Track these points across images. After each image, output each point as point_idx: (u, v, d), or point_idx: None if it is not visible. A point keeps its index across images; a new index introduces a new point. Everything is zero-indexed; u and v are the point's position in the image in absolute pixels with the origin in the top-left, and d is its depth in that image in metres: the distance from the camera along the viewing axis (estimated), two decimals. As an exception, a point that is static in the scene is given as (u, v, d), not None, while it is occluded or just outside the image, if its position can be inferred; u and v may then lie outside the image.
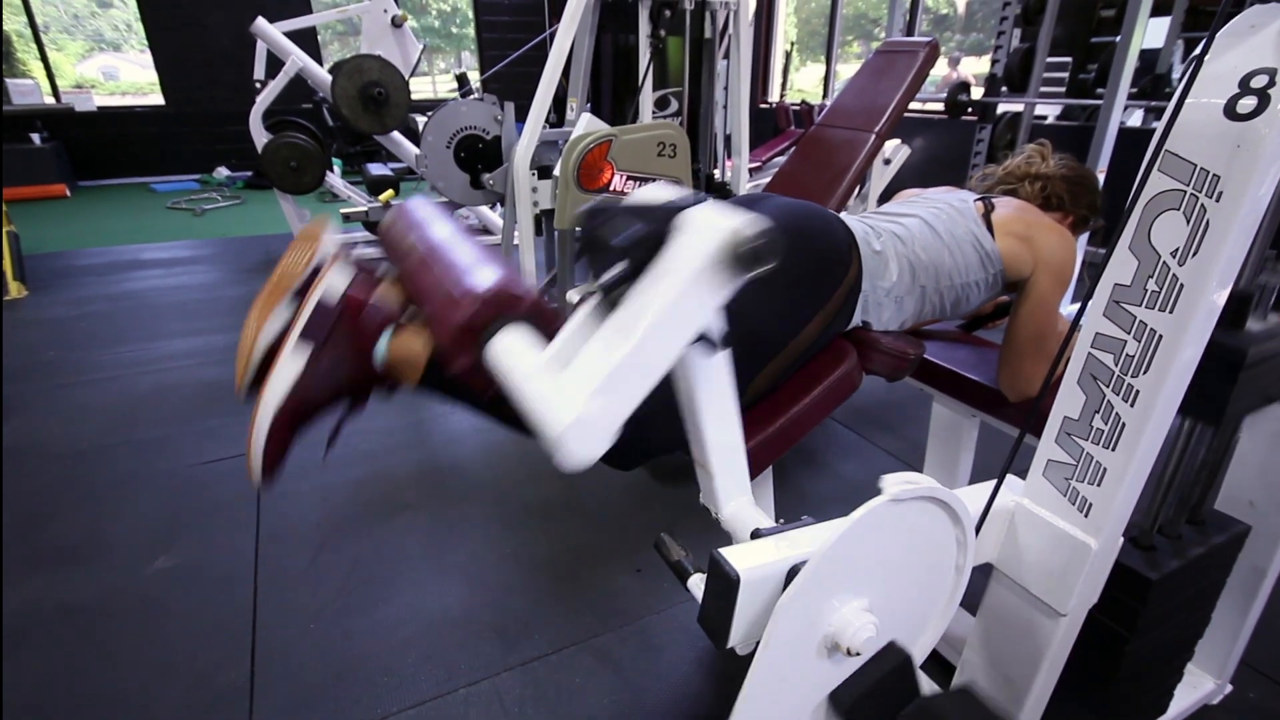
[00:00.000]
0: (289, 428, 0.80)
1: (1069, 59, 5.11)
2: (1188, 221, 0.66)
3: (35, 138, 6.13)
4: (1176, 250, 0.67)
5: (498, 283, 0.73)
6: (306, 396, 0.79)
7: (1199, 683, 1.23)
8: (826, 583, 0.66)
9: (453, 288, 0.74)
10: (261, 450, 0.79)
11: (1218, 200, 0.63)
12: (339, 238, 0.87)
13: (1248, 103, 0.62)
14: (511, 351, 0.70)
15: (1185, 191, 0.66)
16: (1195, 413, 0.83)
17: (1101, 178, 3.27)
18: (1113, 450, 0.74)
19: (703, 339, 0.62)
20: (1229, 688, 1.25)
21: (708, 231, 0.58)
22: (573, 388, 0.60)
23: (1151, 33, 3.46)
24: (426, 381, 0.82)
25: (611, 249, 0.62)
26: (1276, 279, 0.87)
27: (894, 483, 0.65)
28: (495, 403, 0.83)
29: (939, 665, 1.23)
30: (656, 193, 0.67)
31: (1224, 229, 0.63)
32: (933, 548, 0.73)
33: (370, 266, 0.90)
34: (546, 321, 0.74)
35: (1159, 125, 0.66)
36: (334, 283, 0.78)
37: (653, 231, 0.61)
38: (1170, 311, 0.67)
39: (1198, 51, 0.63)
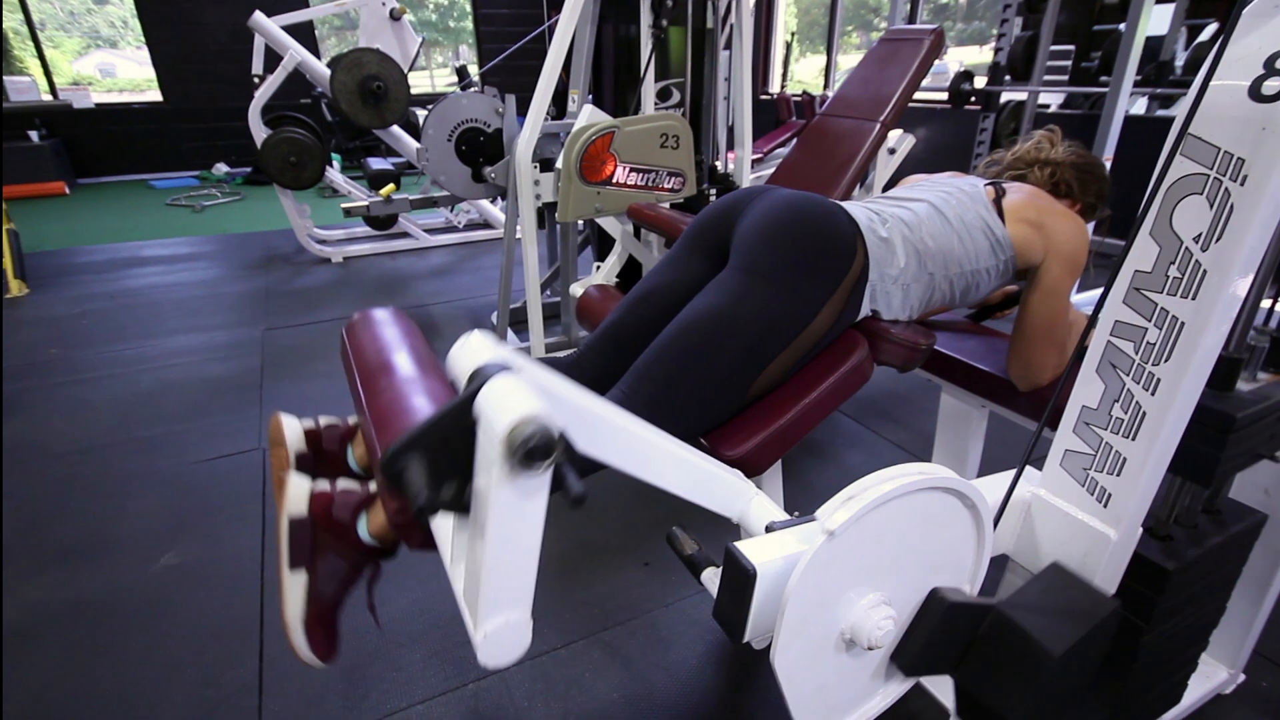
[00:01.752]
0: (325, 628, 0.81)
1: (1072, 47, 5.08)
2: (1211, 206, 0.64)
3: (33, 135, 6.10)
4: (1199, 235, 0.65)
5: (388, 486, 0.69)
6: (322, 601, 0.80)
7: (1212, 672, 1.22)
8: (835, 575, 0.65)
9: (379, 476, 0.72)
10: (309, 652, 0.81)
11: (1242, 184, 0.62)
12: (294, 431, 0.85)
13: (1273, 84, 0.60)
14: (442, 534, 0.71)
15: (1209, 175, 0.64)
16: (1183, 473, 0.83)
17: (1108, 166, 3.25)
18: (1133, 440, 0.73)
19: (569, 493, 0.57)
20: (1242, 677, 1.25)
21: (490, 434, 0.53)
22: (470, 601, 0.60)
23: (1155, 20, 3.43)
24: (424, 536, 0.79)
25: (423, 508, 0.57)
26: (1265, 340, 0.88)
27: (911, 472, 0.64)
28: None
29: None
30: (461, 359, 0.61)
31: (1248, 213, 0.62)
32: (949, 537, 0.72)
33: (340, 427, 0.88)
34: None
35: (1178, 109, 0.65)
36: (295, 495, 0.77)
37: (443, 463, 0.57)
38: (1193, 298, 0.66)
39: (1207, 33, 0.62)
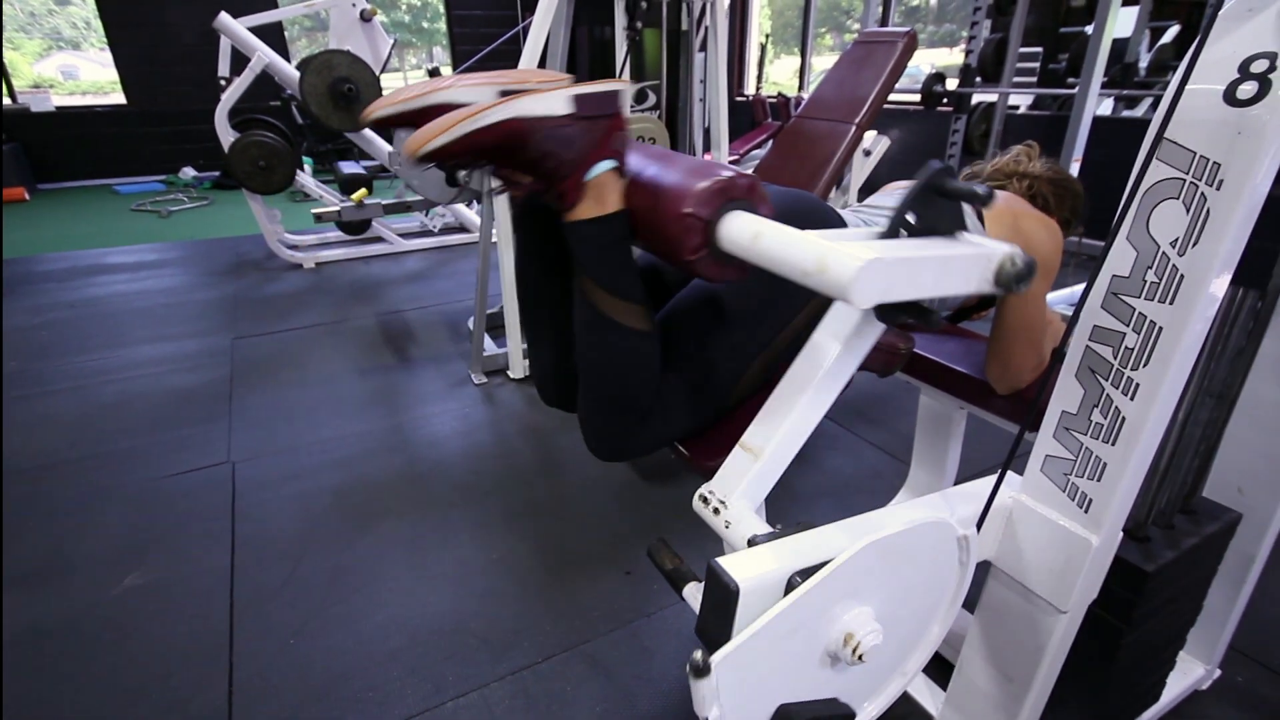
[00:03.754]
0: (497, 141, 0.76)
1: (1039, 49, 5.16)
2: (1188, 210, 0.64)
3: (-8, 140, 5.92)
4: (1176, 240, 0.65)
5: (729, 172, 0.77)
6: (538, 133, 0.77)
7: (1189, 669, 1.23)
8: (829, 596, 0.64)
9: (710, 161, 0.78)
10: (466, 132, 0.74)
11: (1218, 188, 0.62)
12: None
13: (1248, 88, 0.60)
14: (751, 222, 0.73)
15: (1185, 180, 0.64)
16: (1242, 281, 0.82)
17: (1077, 167, 3.31)
18: (1112, 445, 0.72)
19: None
20: (1218, 672, 1.26)
21: (994, 262, 0.66)
22: (870, 247, 0.60)
23: (1120, 22, 3.50)
24: (586, 225, 0.83)
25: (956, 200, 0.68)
26: None
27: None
28: (624, 293, 0.86)
29: (939, 663, 1.22)
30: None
31: (1225, 218, 0.62)
32: (935, 557, 0.72)
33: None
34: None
35: (1142, 110, 0.65)
36: (625, 95, 0.80)
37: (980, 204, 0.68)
38: (1170, 303, 0.66)
39: (1169, 35, 0.62)
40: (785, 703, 0.66)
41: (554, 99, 0.77)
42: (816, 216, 1.07)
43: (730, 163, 4.06)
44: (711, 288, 1.02)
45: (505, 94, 0.77)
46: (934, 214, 0.68)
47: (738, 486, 0.81)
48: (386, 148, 3.68)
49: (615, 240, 0.84)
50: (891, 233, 0.69)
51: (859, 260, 0.56)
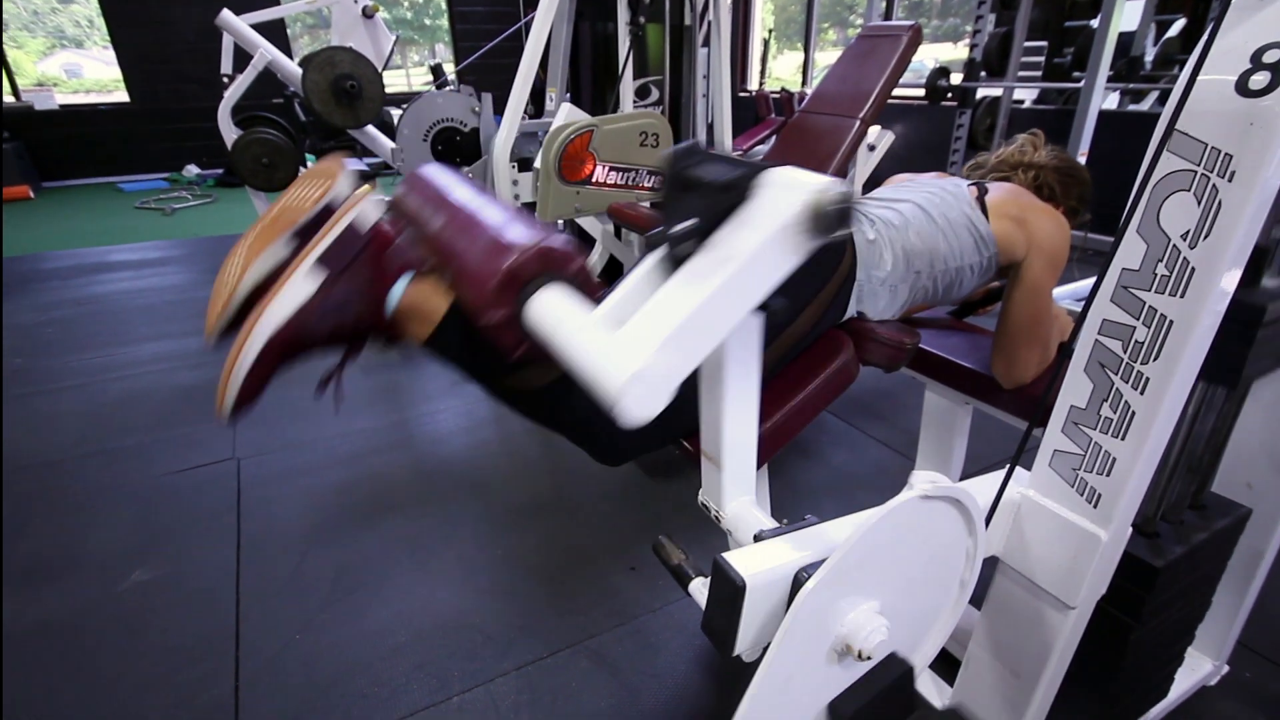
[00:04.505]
0: (279, 356, 0.72)
1: (1044, 43, 5.13)
2: (1199, 203, 0.63)
3: (-5, 138, 5.93)
4: (1187, 233, 0.65)
5: (548, 239, 0.68)
6: (308, 326, 0.71)
7: (1197, 664, 1.23)
8: (841, 585, 0.64)
9: (496, 238, 0.68)
10: (244, 376, 0.71)
11: (1230, 180, 0.61)
12: (358, 174, 0.80)
13: (1260, 78, 0.59)
14: (557, 306, 0.66)
15: (1196, 172, 0.63)
16: (1210, 377, 0.80)
17: (1082, 161, 3.29)
18: (1122, 439, 0.72)
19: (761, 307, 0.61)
20: (1226, 668, 1.25)
21: (793, 190, 0.56)
22: (635, 339, 0.57)
23: (1125, 16, 3.48)
24: (435, 339, 0.76)
25: (705, 185, 0.60)
26: None
27: (922, 480, 0.63)
28: (512, 368, 0.79)
29: (944, 659, 1.22)
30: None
31: (1237, 210, 0.61)
32: (942, 546, 0.71)
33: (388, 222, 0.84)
34: (590, 289, 0.69)
35: (1148, 104, 0.65)
36: (367, 211, 0.72)
37: (742, 178, 0.59)
38: (1181, 296, 0.65)
39: (1175, 28, 0.61)
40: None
41: (295, 288, 0.71)
42: None
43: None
44: None
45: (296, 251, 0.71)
46: (705, 201, 0.61)
47: (719, 493, 0.81)
48: (389, 144, 3.67)
49: (463, 336, 0.75)
50: (677, 260, 0.61)
51: (620, 379, 0.54)
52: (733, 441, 0.79)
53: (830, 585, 0.62)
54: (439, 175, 0.85)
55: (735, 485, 0.82)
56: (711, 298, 0.57)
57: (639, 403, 0.55)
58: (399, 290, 0.74)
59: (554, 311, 0.65)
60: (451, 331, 0.76)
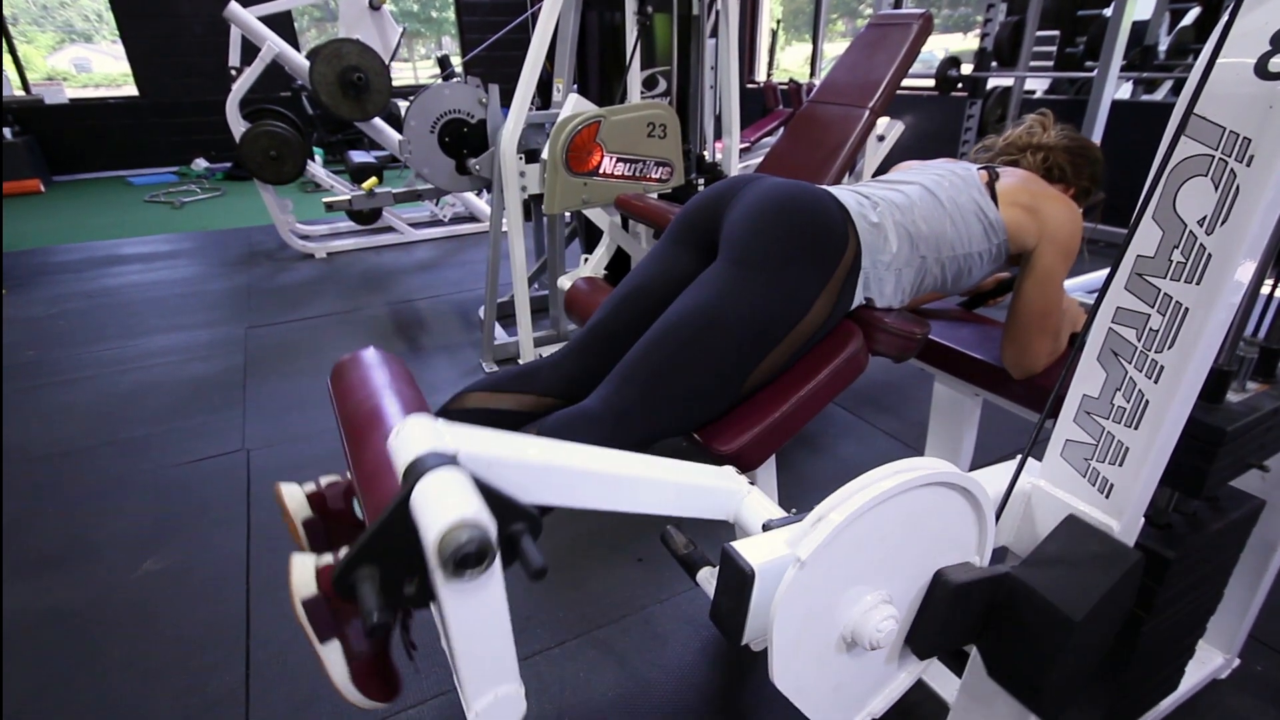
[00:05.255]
0: (379, 675, 0.74)
1: (1056, 32, 5.08)
2: (1216, 188, 0.62)
3: (7, 132, 5.97)
4: (1204, 219, 0.64)
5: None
6: (365, 660, 0.73)
7: (1208, 657, 1.22)
8: (825, 585, 0.63)
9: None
10: (378, 704, 0.74)
11: (1248, 165, 0.60)
12: (296, 499, 0.82)
13: (1280, 61, 0.58)
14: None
15: (1214, 156, 0.62)
16: (1174, 485, 0.83)
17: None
18: (1135, 429, 0.71)
19: (529, 567, 0.56)
20: (1237, 661, 1.25)
21: (426, 542, 0.50)
22: (459, 682, 0.58)
23: (1139, 4, 3.43)
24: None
25: (376, 616, 0.52)
26: (1254, 351, 0.89)
27: (880, 476, 0.62)
28: None
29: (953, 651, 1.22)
30: (399, 450, 0.57)
31: (1255, 195, 0.60)
32: (951, 533, 0.71)
33: (342, 483, 0.85)
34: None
35: (1162, 94, 0.64)
36: (300, 579, 0.71)
37: (391, 572, 0.54)
38: (1197, 283, 0.65)
39: (1190, 17, 0.60)
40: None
41: (333, 661, 0.71)
42: (815, 208, 1.05)
43: (741, 150, 4.02)
44: (705, 298, 1.01)
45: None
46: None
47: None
48: (396, 137, 3.67)
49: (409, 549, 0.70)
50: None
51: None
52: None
53: (813, 579, 0.62)
54: (351, 385, 0.84)
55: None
56: (469, 657, 0.57)
57: None
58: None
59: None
60: None
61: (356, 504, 0.85)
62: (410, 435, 0.57)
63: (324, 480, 0.85)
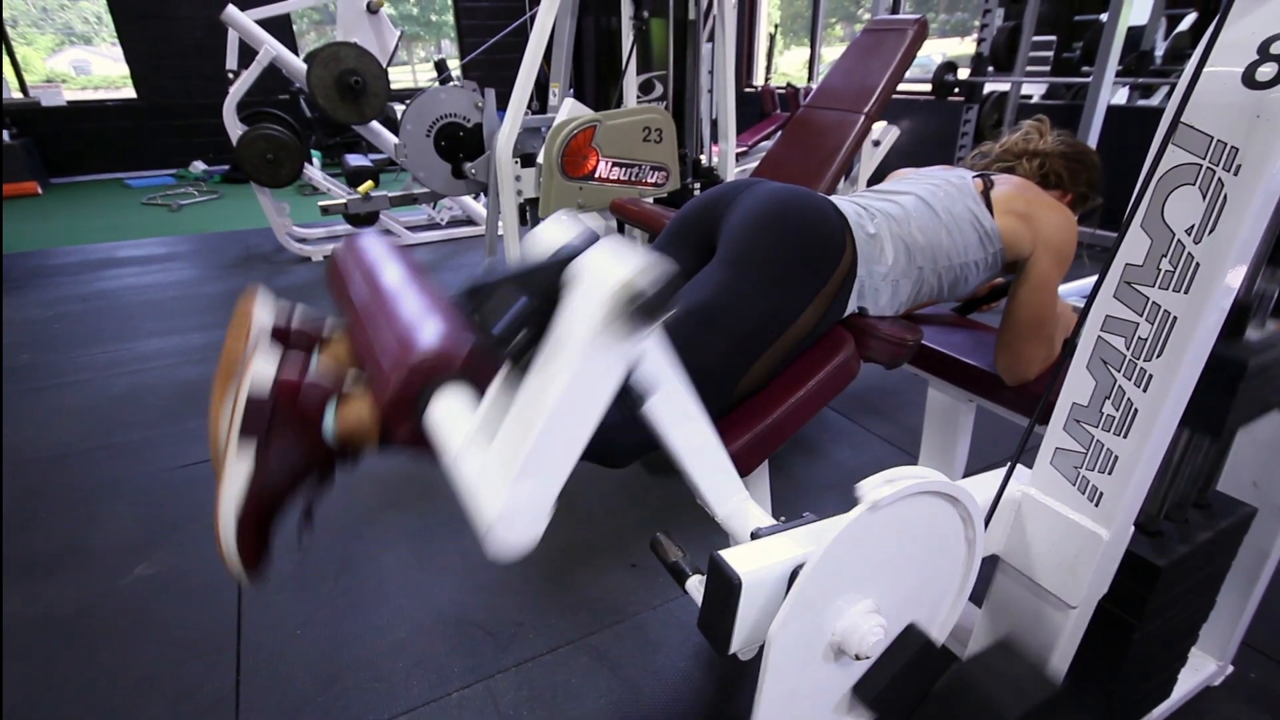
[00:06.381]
0: (258, 527, 0.74)
1: (1053, 38, 5.08)
2: (1204, 197, 0.63)
3: (4, 134, 5.96)
4: (1192, 227, 0.64)
5: (426, 348, 0.68)
6: (264, 493, 0.73)
7: (1201, 665, 1.22)
8: (827, 588, 0.63)
9: (384, 356, 0.69)
10: (237, 554, 0.73)
11: (1236, 174, 0.60)
12: (268, 309, 0.80)
13: (1267, 70, 0.58)
14: (444, 422, 0.66)
15: (1201, 165, 0.62)
16: (1194, 425, 0.80)
17: (1090, 156, 3.26)
18: (1124, 437, 0.71)
19: (628, 388, 0.57)
20: (1230, 668, 1.24)
21: (597, 288, 0.52)
22: (495, 473, 0.56)
23: (1135, 10, 3.45)
24: (389, 441, 0.77)
25: (511, 280, 0.55)
26: (1275, 286, 0.85)
27: (873, 485, 0.62)
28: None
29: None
30: (549, 233, 0.60)
31: (1243, 204, 0.60)
32: (940, 541, 0.71)
33: (311, 328, 0.84)
34: (484, 375, 0.69)
35: (1158, 99, 0.64)
36: (260, 371, 0.72)
37: (535, 307, 0.55)
38: (1185, 292, 0.65)
39: (1186, 22, 0.60)
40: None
41: (234, 470, 0.72)
42: (815, 215, 1.05)
43: (739, 154, 4.03)
44: (700, 298, 1.00)
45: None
46: (516, 296, 0.58)
47: (708, 502, 0.81)
48: (393, 139, 3.67)
49: (417, 428, 0.74)
50: (520, 364, 0.59)
51: (488, 520, 0.54)
52: (696, 466, 0.77)
53: (813, 593, 0.61)
54: (365, 254, 0.86)
55: (716, 495, 0.81)
56: (550, 425, 0.54)
57: (508, 541, 0.56)
58: (330, 422, 0.74)
59: (440, 428, 0.66)
60: (392, 435, 0.76)
61: (315, 358, 0.82)
62: (561, 223, 0.60)
63: (298, 313, 0.83)
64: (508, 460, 0.56)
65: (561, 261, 0.55)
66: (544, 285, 0.55)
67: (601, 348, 0.52)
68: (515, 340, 0.56)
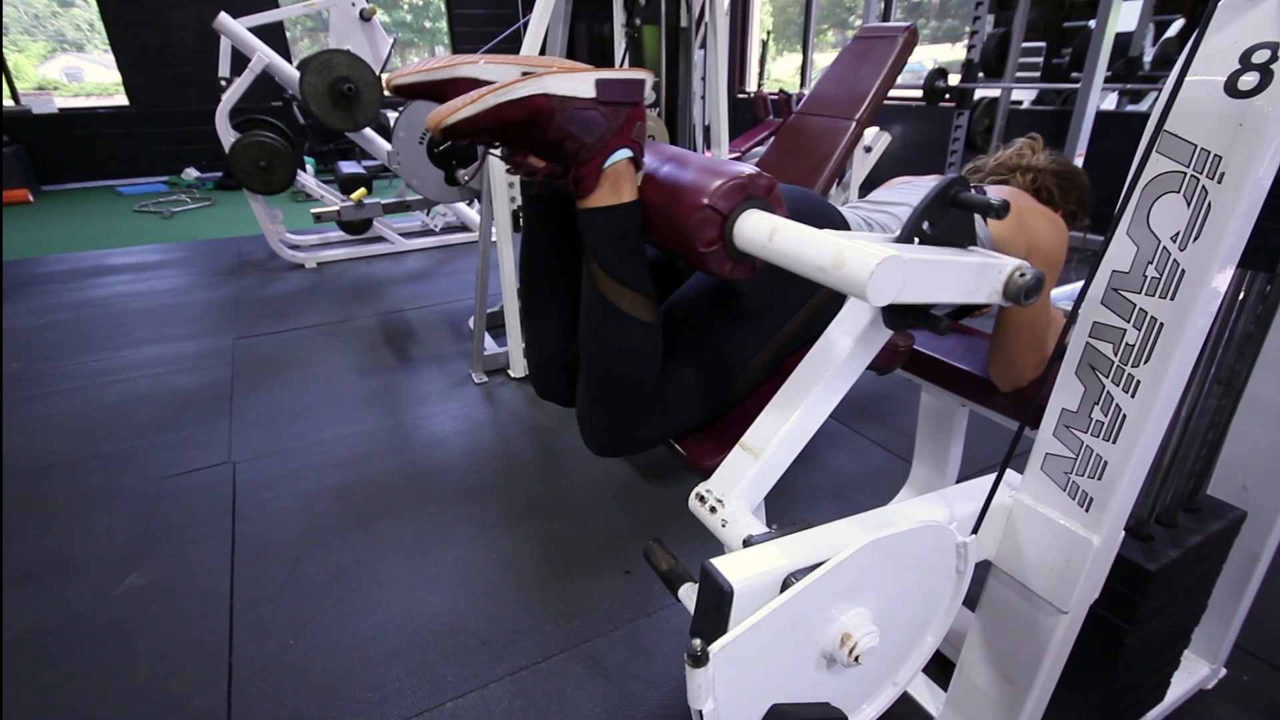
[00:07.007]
0: (526, 115, 0.74)
1: (1043, 44, 5.13)
2: (1188, 204, 0.63)
3: (-4, 142, 5.94)
4: (1177, 234, 0.64)
5: (742, 174, 0.76)
6: (560, 111, 0.75)
7: (1194, 668, 1.22)
8: (827, 595, 0.63)
9: (701, 178, 0.77)
10: (494, 104, 0.72)
11: (1219, 181, 0.61)
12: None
13: (1249, 79, 0.59)
14: (765, 220, 0.73)
15: (1185, 173, 0.63)
16: (1251, 265, 0.80)
17: (1080, 162, 3.29)
18: (1113, 443, 0.71)
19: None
20: (1223, 671, 1.25)
21: (1000, 275, 0.70)
22: (884, 245, 0.62)
23: (1123, 16, 3.48)
24: (593, 215, 0.82)
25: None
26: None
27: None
28: (619, 276, 0.85)
29: (939, 663, 1.21)
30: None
31: (1227, 211, 0.61)
32: (931, 565, 0.71)
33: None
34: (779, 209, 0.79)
35: (1147, 105, 0.64)
36: (647, 85, 0.79)
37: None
38: (1171, 298, 0.65)
39: (1174, 29, 0.61)
40: (779, 703, 0.65)
41: (580, 80, 0.76)
42: (821, 215, 1.06)
43: (732, 159, 4.05)
44: (712, 285, 1.01)
45: (528, 75, 0.76)
46: (947, 224, 0.71)
47: (736, 486, 0.80)
48: (386, 146, 3.67)
49: (628, 229, 0.84)
50: (905, 238, 0.70)
51: (876, 258, 0.57)
52: (784, 441, 0.79)
53: (818, 593, 0.61)
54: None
55: (756, 485, 0.81)
56: (949, 264, 0.65)
57: (887, 283, 0.58)
58: (621, 154, 0.80)
59: (766, 224, 0.72)
60: (621, 215, 0.82)
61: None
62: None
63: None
64: (900, 250, 0.62)
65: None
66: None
67: (990, 280, 0.69)
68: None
